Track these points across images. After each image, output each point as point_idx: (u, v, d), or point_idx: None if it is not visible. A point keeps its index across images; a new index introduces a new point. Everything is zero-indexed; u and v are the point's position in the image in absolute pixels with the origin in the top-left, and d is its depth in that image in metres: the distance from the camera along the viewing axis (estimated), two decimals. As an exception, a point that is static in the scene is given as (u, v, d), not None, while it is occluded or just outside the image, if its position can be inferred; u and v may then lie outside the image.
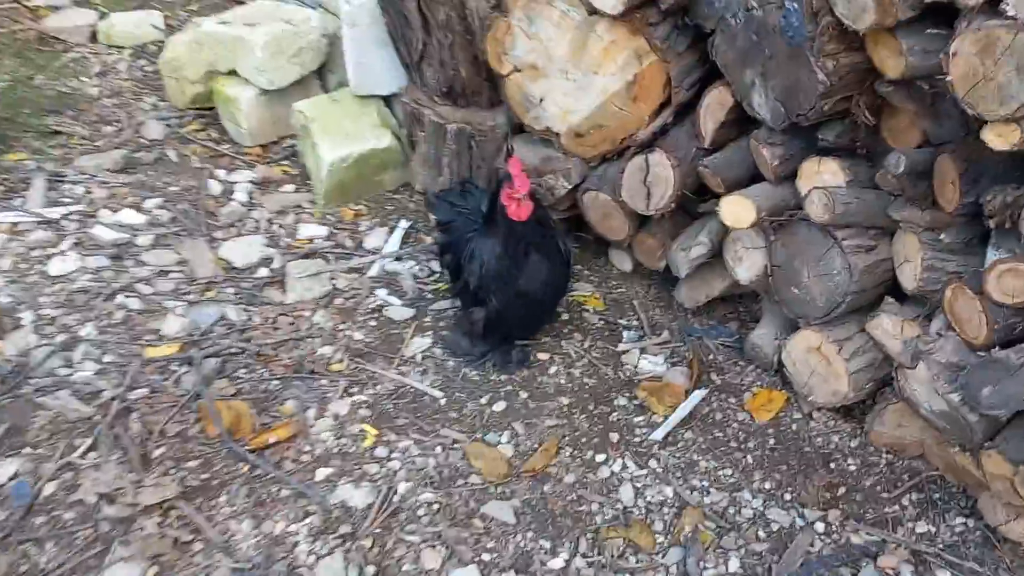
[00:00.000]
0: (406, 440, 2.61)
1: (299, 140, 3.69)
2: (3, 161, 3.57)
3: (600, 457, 2.58)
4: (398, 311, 3.05)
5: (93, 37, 4.43)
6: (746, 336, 2.90)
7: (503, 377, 2.81)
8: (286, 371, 2.82)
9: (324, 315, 3.03)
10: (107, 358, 2.79)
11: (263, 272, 3.24)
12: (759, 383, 2.80)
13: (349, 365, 2.85)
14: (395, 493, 2.46)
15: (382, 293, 3.13)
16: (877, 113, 2.44)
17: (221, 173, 3.72)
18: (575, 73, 2.84)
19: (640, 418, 2.70)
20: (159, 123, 4.02)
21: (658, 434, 2.63)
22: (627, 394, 2.77)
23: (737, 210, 2.57)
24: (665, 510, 2.43)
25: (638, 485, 2.50)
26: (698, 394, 2.74)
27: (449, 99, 3.31)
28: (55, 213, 3.33)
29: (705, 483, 2.50)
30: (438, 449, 2.59)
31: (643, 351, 2.92)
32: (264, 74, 3.67)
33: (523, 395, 2.76)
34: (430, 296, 3.12)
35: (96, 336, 2.85)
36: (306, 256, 3.30)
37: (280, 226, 3.48)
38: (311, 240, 3.40)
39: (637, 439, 2.63)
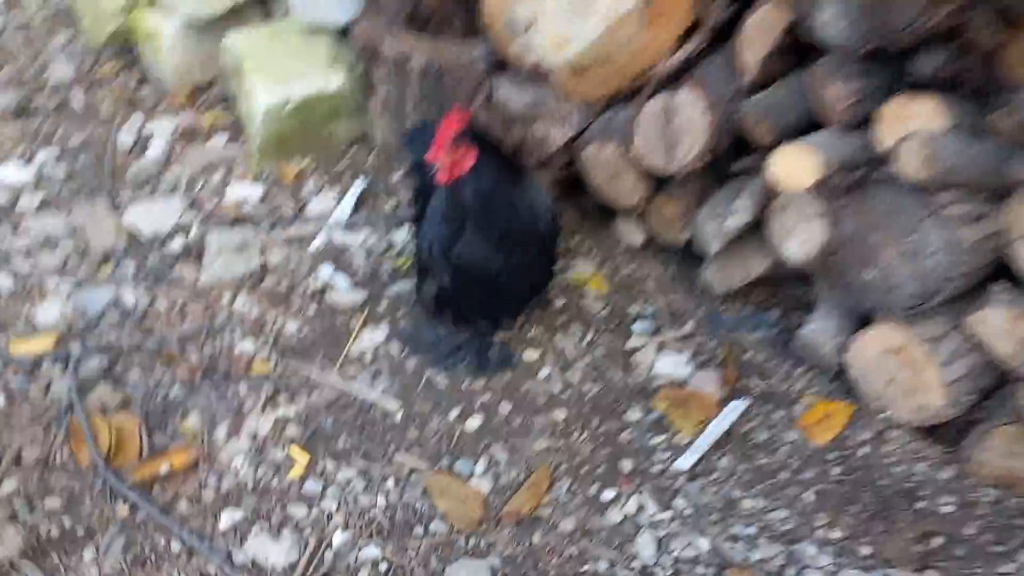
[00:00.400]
0: (347, 470, 1.94)
1: (230, 83, 2.99)
2: None
3: (608, 494, 1.92)
4: (345, 295, 2.37)
5: (-5, -39, 3.72)
6: (793, 329, 2.24)
7: (478, 384, 2.14)
8: (193, 374, 2.14)
9: (248, 300, 2.35)
10: (-49, 356, 2.10)
11: (176, 244, 2.56)
12: (813, 391, 2.14)
13: (277, 366, 2.17)
14: (328, 547, 1.79)
15: (326, 272, 2.45)
16: (995, 34, 1.78)
17: (135, 122, 3.03)
18: (574, -16, 2.17)
19: (660, 438, 2.04)
20: (68, 63, 3.33)
21: (685, 461, 1.97)
22: (641, 405, 2.11)
23: (793, 166, 1.91)
24: (700, 570, 1.77)
25: (660, 534, 1.84)
26: (736, 406, 2.08)
27: (413, 27, 2.62)
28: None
29: (751, 531, 1.84)
30: (390, 483, 1.92)
31: (661, 348, 2.25)
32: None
33: (505, 408, 2.09)
34: (387, 276, 2.44)
35: (-60, 326, 2.17)
36: (233, 224, 2.61)
37: (204, 186, 2.79)
38: (241, 204, 2.71)
39: (657, 468, 1.97)
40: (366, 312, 2.32)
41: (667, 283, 2.46)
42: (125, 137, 2.96)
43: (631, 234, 2.54)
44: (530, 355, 2.22)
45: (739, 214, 2.13)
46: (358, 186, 2.75)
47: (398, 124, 2.76)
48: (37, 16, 3.61)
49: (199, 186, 2.79)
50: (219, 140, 3.00)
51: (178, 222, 2.63)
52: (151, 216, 2.66)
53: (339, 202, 2.71)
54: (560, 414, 2.09)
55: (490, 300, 2.19)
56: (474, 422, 2.05)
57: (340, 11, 2.83)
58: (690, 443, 2.02)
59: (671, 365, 2.21)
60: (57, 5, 3.61)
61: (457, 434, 2.03)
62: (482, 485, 1.92)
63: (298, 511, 1.86)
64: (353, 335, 2.25)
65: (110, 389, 2.09)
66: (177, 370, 2.15)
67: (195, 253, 2.52)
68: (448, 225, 2.03)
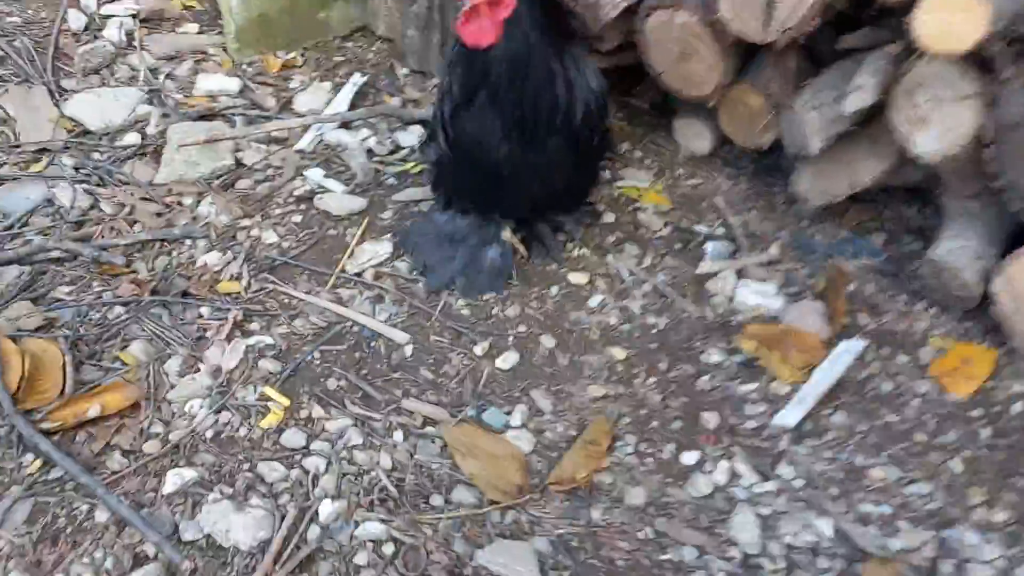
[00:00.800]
0: (340, 419, 1.46)
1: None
2: None
3: (689, 457, 1.44)
4: (339, 201, 1.87)
5: None
6: (903, 257, 1.76)
7: (512, 310, 1.65)
8: (140, 291, 1.64)
9: (216, 203, 1.84)
10: None
11: (130, 139, 2.05)
12: (941, 331, 1.65)
13: (250, 285, 1.67)
14: (313, 522, 1.31)
15: (315, 174, 1.95)
16: None
17: (89, 3, 2.49)
18: None
19: (750, 387, 1.55)
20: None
21: (789, 416, 1.49)
22: (723, 344, 1.62)
23: (950, 18, 1.41)
24: (822, 563, 1.29)
25: (764, 512, 1.36)
26: (848, 348, 1.60)
27: None
28: None
29: (885, 509, 1.36)
30: (397, 436, 1.43)
31: (741, 274, 1.76)
32: None
33: (547, 342, 1.60)
34: (392, 182, 1.94)
35: None
36: (202, 118, 2.10)
37: (169, 76, 2.27)
38: (213, 97, 2.19)
39: (751, 424, 1.49)
40: (365, 222, 1.82)
41: (740, 199, 1.96)
42: (75, 17, 2.43)
43: (696, 138, 2.04)
44: (577, 279, 1.73)
45: (860, 93, 1.62)
46: (356, 81, 2.24)
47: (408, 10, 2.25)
48: None
49: (163, 76, 2.28)
50: (189, 28, 2.47)
51: (134, 115, 2.12)
52: (100, 107, 2.15)
53: (333, 99, 2.19)
54: (619, 352, 1.60)
55: (494, 194, 1.69)
56: (508, 360, 1.56)
57: None
58: (791, 393, 1.53)
59: (757, 296, 1.72)
60: None
61: (485, 374, 1.54)
62: (520, 442, 1.43)
63: (272, 472, 1.37)
64: (349, 248, 1.75)
65: (31, 307, 1.59)
66: (120, 286, 1.65)
67: (153, 151, 2.02)
68: (462, 88, 1.53)
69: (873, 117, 1.70)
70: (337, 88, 2.23)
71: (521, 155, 1.61)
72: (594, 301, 1.69)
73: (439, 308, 1.64)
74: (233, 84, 2.24)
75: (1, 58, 2.28)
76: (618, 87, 2.03)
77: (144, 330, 1.58)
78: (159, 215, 1.82)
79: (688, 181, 2.00)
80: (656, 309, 1.69)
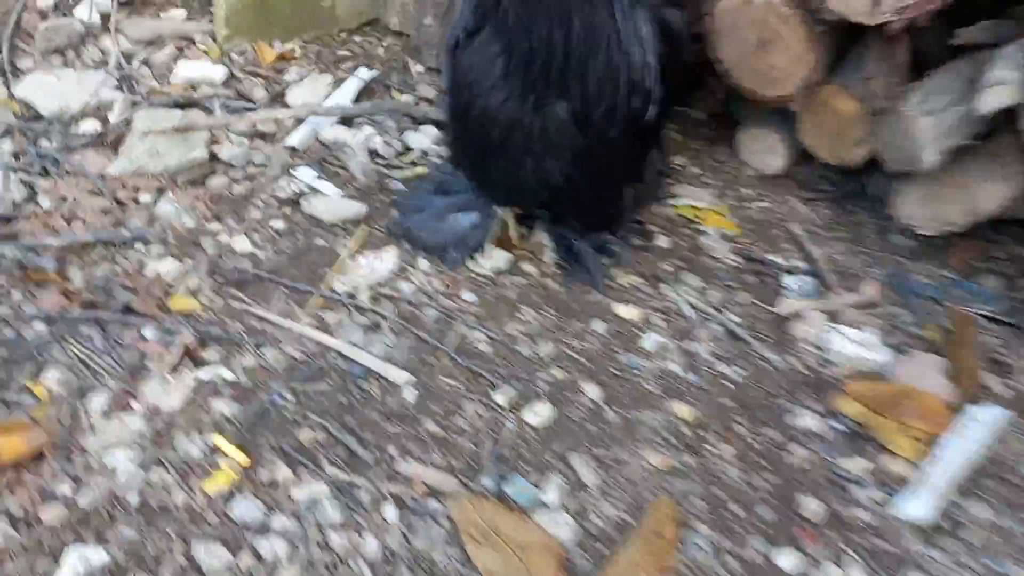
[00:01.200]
0: (312, 483, 1.08)
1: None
2: None
3: (784, 559, 1.05)
4: (332, 205, 1.51)
5: None
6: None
7: (544, 348, 1.28)
8: (69, 304, 1.27)
9: (179, 201, 1.48)
10: None
11: (88, 126, 1.70)
12: (1096, 400, 1.28)
13: (211, 303, 1.30)
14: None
15: (306, 175, 1.59)
16: None
17: (60, -20, 2.16)
18: None
19: (859, 463, 1.18)
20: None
21: (914, 506, 1.11)
22: (818, 404, 1.25)
23: None
24: None
25: (893, 644, 0.97)
26: (984, 415, 1.22)
27: None
28: None
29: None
30: (389, 513, 1.05)
31: (832, 317, 1.39)
32: None
33: (590, 391, 1.23)
34: (399, 187, 1.58)
35: None
36: (177, 107, 1.75)
37: (145, 63, 1.93)
38: (192, 87, 1.85)
39: (863, 515, 1.11)
40: (363, 232, 1.46)
41: (821, 228, 1.60)
42: (43, -6, 2.10)
43: (766, 153, 1.69)
44: (626, 312, 1.36)
45: (999, 90, 1.27)
46: (363, 76, 1.90)
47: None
48: None
49: (138, 62, 1.94)
50: (176, 14, 2.14)
51: (96, 99, 1.77)
52: (58, 89, 1.80)
53: (333, 93, 1.85)
54: (683, 409, 1.22)
55: (487, 166, 1.33)
56: (539, 413, 1.19)
57: None
58: (914, 473, 1.15)
59: (855, 345, 1.35)
60: None
61: (509, 432, 1.16)
62: (557, 527, 1.05)
63: (213, 558, 0.99)
64: (340, 260, 1.39)
65: (-75, 321, 1.23)
66: (44, 297, 1.29)
67: (113, 140, 1.67)
68: (474, 9, 1.19)
69: (994, 132, 1.36)
70: (339, 83, 1.89)
71: (519, 111, 1.22)
72: (649, 342, 1.32)
73: (449, 341, 1.27)
74: (218, 72, 1.90)
75: (-51, 30, 1.94)
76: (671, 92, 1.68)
77: (67, 354, 1.21)
78: (107, 212, 1.46)
79: (756, 204, 1.65)
80: (728, 355, 1.32)
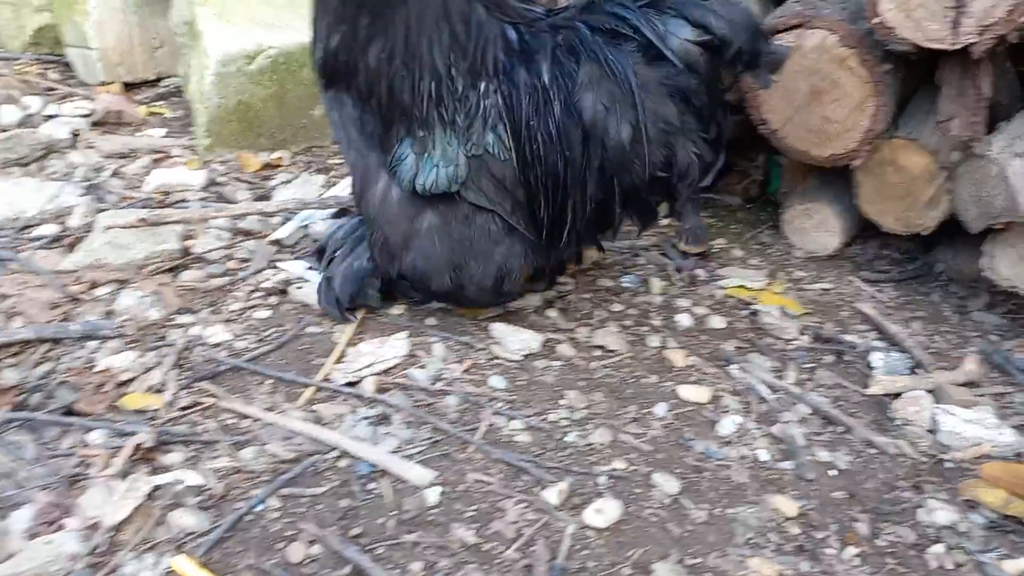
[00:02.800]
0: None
1: (181, 57, 2.03)
2: None
3: None
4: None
5: None
6: None
7: (597, 434, 1.01)
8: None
9: (144, 293, 1.24)
10: None
11: (45, 230, 1.48)
12: None
13: (176, 400, 1.04)
14: None
15: (294, 267, 1.37)
16: None
17: (31, 101, 2.02)
18: None
19: (1018, 565, 0.89)
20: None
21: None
22: (945, 494, 0.98)
23: None
24: None
25: None
26: None
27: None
28: None
29: None
30: (415, 648, 0.75)
31: (937, 398, 1.14)
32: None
33: (666, 484, 0.96)
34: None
35: None
36: (145, 207, 1.55)
37: (116, 174, 1.75)
38: (166, 193, 1.66)
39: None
40: (364, 320, 1.22)
41: (893, 308, 1.38)
42: (8, 113, 1.94)
43: (818, 231, 1.50)
44: (691, 394, 1.11)
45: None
46: (357, 177, 1.71)
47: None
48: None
49: (108, 173, 1.75)
50: (154, 132, 1.99)
51: (55, 205, 1.57)
52: (14, 195, 1.60)
53: (326, 192, 1.66)
54: (786, 504, 0.95)
55: None
56: (605, 512, 0.91)
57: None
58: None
59: (973, 426, 1.10)
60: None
61: (568, 537, 0.88)
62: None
63: None
64: (338, 349, 1.14)
65: None
66: (-31, 400, 1.02)
67: (71, 241, 1.45)
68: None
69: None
70: (332, 184, 1.71)
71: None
72: (726, 426, 1.06)
73: (480, 432, 1.01)
74: (197, 178, 1.71)
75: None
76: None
77: (-9, 464, 0.94)
78: (55, 307, 1.21)
79: (814, 285, 1.44)
80: (827, 441, 1.06)
